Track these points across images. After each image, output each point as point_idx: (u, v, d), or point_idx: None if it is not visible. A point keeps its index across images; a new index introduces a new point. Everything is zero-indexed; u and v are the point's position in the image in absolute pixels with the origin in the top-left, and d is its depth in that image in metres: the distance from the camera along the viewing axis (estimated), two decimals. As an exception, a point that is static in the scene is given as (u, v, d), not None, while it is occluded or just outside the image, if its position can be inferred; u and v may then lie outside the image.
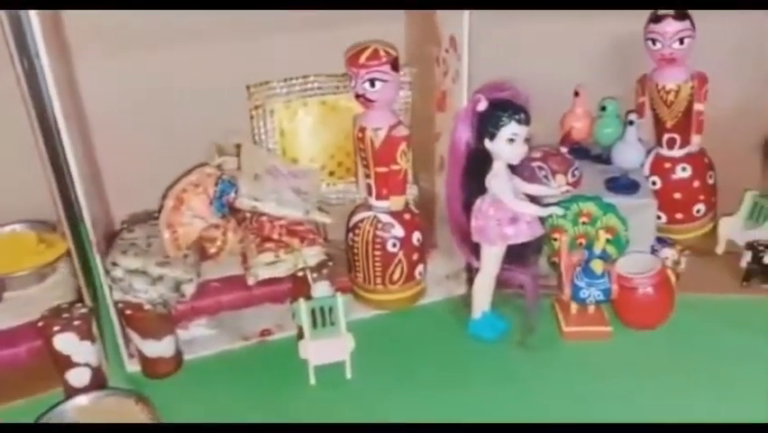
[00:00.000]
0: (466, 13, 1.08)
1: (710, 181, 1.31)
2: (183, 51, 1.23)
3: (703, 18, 1.20)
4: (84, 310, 1.06)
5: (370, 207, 1.22)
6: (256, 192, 1.10)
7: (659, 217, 1.32)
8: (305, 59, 1.29)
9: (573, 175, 1.27)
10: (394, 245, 1.20)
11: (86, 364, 1.07)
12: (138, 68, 1.22)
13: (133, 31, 1.18)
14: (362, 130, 1.15)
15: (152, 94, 1.25)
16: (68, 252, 1.12)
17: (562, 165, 1.26)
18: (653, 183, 1.31)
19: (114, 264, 1.03)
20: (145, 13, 1.14)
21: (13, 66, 1.01)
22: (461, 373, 1.13)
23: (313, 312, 1.10)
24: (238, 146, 1.22)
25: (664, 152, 1.30)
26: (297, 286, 1.13)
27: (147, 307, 1.05)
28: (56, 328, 1.04)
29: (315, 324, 1.10)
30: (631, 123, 1.21)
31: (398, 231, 1.20)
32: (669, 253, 1.24)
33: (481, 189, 1.12)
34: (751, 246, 1.24)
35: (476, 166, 1.12)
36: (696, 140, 1.26)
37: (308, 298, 1.11)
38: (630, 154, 1.22)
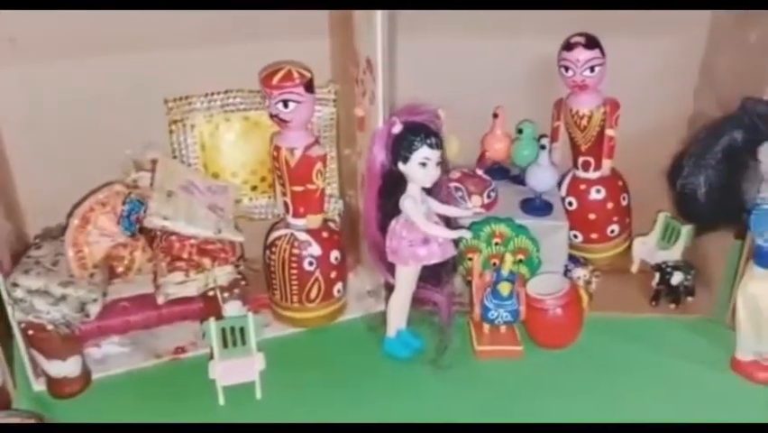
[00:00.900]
0: (379, 36, 1.09)
1: (624, 203, 1.35)
2: (101, 62, 1.21)
3: (618, 44, 1.23)
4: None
5: (287, 225, 1.22)
6: (167, 210, 1.09)
7: (575, 237, 1.36)
8: (227, 73, 1.28)
9: (489, 196, 1.29)
10: (311, 264, 1.20)
11: (-11, 384, 1.05)
12: (54, 78, 1.19)
13: (49, 39, 1.16)
14: (277, 149, 1.16)
15: (70, 105, 1.22)
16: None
17: (479, 186, 1.28)
18: (570, 204, 1.34)
19: (15, 285, 1.01)
20: (62, 20, 1.12)
21: None
22: (373, 392, 1.14)
23: (224, 332, 1.10)
24: (154, 161, 1.21)
25: (580, 173, 1.33)
26: (209, 305, 1.13)
27: (50, 327, 1.03)
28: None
29: (225, 343, 1.10)
30: (543, 147, 1.24)
31: (315, 249, 1.20)
32: (581, 273, 1.27)
33: (396, 210, 1.13)
34: (659, 268, 1.29)
35: (391, 187, 1.13)
36: (607, 164, 1.29)
37: (220, 317, 1.11)
38: (542, 177, 1.25)
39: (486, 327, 1.20)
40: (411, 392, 1.14)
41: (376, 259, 1.18)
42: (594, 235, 1.35)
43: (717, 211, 1.08)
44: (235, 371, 1.08)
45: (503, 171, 1.38)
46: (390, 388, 1.15)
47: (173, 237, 1.09)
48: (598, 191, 1.32)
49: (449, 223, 1.18)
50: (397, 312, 1.19)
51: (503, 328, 1.20)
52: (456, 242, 1.15)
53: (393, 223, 1.14)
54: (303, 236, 1.20)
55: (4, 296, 1.03)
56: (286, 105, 1.10)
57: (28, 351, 1.08)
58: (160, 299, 1.10)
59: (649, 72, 1.33)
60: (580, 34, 1.21)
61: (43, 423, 1.00)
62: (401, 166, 1.10)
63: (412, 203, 1.11)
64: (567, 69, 1.21)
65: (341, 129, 1.34)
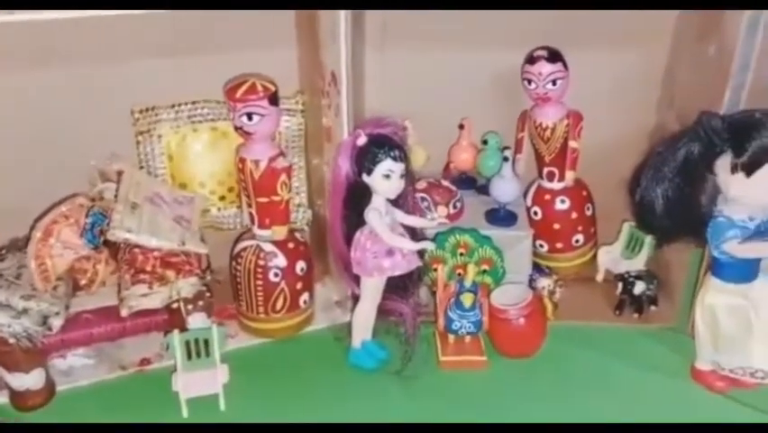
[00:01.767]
0: (343, 50, 1.10)
1: (588, 213, 1.37)
2: (66, 72, 1.21)
3: (582, 57, 1.25)
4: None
5: (253, 236, 1.22)
6: (130, 223, 1.09)
7: (541, 246, 1.37)
8: (195, 84, 1.28)
9: (455, 206, 1.30)
10: (276, 275, 1.21)
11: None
12: (18, 88, 1.19)
13: (13, 49, 1.14)
14: (242, 161, 1.16)
15: (34, 116, 1.21)
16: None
17: (445, 196, 1.29)
18: (535, 213, 1.35)
19: (-25, 298, 1.01)
20: (27, 30, 1.11)
21: None
22: (338, 403, 1.15)
23: (188, 344, 1.10)
24: (120, 172, 1.21)
25: (545, 183, 1.34)
26: (173, 317, 1.13)
27: (11, 340, 1.03)
28: None
29: (189, 355, 1.10)
30: (506, 159, 1.25)
31: (281, 261, 1.20)
32: (545, 283, 1.29)
33: (361, 221, 1.14)
34: (622, 277, 1.31)
35: (356, 198, 1.14)
36: (570, 175, 1.30)
37: (184, 329, 1.11)
38: (506, 189, 1.26)
39: (451, 337, 1.21)
40: (376, 403, 1.14)
41: (341, 270, 1.19)
42: (559, 245, 1.36)
43: (675, 223, 1.09)
44: (199, 383, 1.09)
45: (470, 181, 1.40)
46: (356, 398, 1.15)
47: (137, 250, 1.09)
48: (562, 201, 1.34)
49: (415, 233, 1.19)
50: (363, 323, 1.20)
51: (467, 339, 1.21)
52: (421, 253, 1.17)
53: (358, 234, 1.15)
54: (268, 247, 1.20)
55: (-34, 309, 1.03)
56: (250, 118, 1.11)
57: (-9, 363, 1.08)
58: (124, 312, 1.10)
59: (613, 84, 1.34)
60: (542, 48, 1.22)
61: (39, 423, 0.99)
62: (365, 178, 1.11)
63: (376, 215, 1.11)
64: (530, 81, 1.23)
65: (309, 139, 1.35)
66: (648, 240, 1.29)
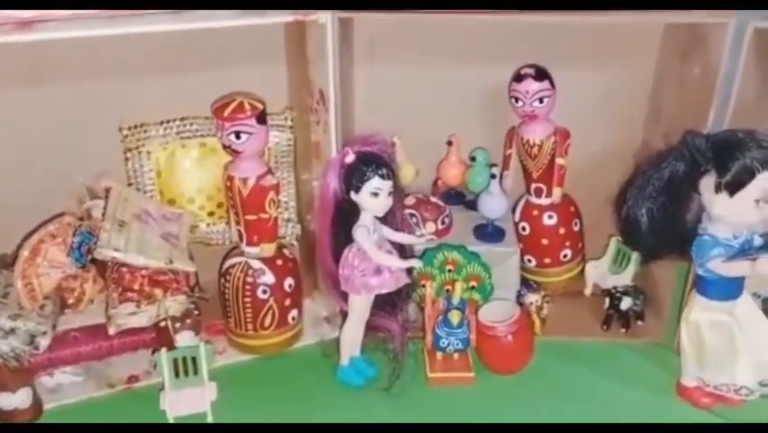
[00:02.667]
0: (331, 68, 1.11)
1: (576, 228, 1.37)
2: (54, 90, 1.21)
3: (569, 74, 1.26)
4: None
5: (241, 253, 1.23)
6: (118, 241, 1.09)
7: (529, 261, 1.38)
8: (184, 100, 1.28)
9: (443, 222, 1.30)
10: (264, 292, 1.21)
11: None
12: (5, 106, 1.18)
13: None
14: (230, 179, 1.16)
15: (22, 134, 1.21)
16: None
17: (433, 212, 1.30)
18: (523, 229, 1.36)
19: (-38, 318, 1.01)
20: (13, 47, 1.11)
21: None
22: (326, 419, 1.14)
23: (175, 362, 1.10)
24: (107, 189, 1.20)
25: (533, 199, 1.35)
26: (161, 335, 1.13)
27: (-2, 360, 1.03)
28: None
29: (177, 374, 1.10)
30: (494, 176, 1.26)
31: (269, 278, 1.20)
32: (533, 299, 1.30)
33: (349, 238, 1.14)
34: (608, 293, 1.31)
35: (344, 216, 1.15)
36: (557, 192, 1.31)
37: (172, 347, 1.11)
38: (494, 205, 1.27)
39: (438, 354, 1.21)
40: (365, 419, 1.14)
41: (330, 287, 1.20)
42: (547, 260, 1.37)
43: (660, 241, 1.10)
44: (186, 401, 1.09)
45: (459, 196, 1.40)
46: (344, 415, 1.15)
47: (124, 268, 1.09)
48: (550, 217, 1.34)
49: (403, 250, 1.20)
50: (350, 340, 1.20)
51: (455, 355, 1.21)
52: (409, 270, 1.17)
53: (346, 251, 1.15)
54: (256, 264, 1.20)
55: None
56: (238, 137, 1.11)
57: (-23, 382, 1.08)
58: (112, 330, 1.10)
59: (600, 101, 1.36)
60: (529, 66, 1.23)
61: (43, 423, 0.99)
62: (353, 195, 1.11)
63: (364, 232, 1.12)
64: (517, 99, 1.24)
65: (298, 154, 1.35)
66: (635, 255, 1.30)
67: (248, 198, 1.16)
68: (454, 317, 1.16)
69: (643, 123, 1.37)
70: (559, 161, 1.28)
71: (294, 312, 1.26)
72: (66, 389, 1.17)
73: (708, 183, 1.05)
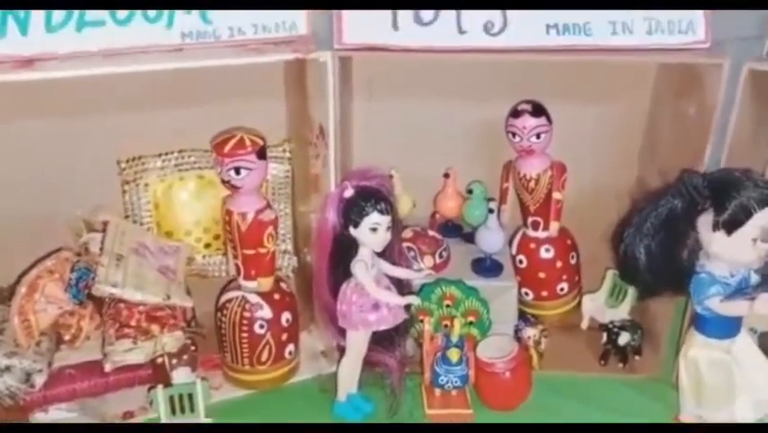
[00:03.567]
0: (331, 104, 1.11)
1: (573, 262, 1.38)
2: (52, 122, 1.21)
3: (566, 109, 1.27)
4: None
5: (239, 287, 1.22)
6: (115, 277, 1.08)
7: (527, 294, 1.38)
8: (183, 133, 1.28)
9: (441, 256, 1.31)
10: (261, 327, 1.20)
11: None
12: (5, 140, 1.18)
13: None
14: (229, 213, 1.16)
15: (21, 167, 1.21)
16: None
17: (431, 246, 1.30)
18: (521, 262, 1.36)
19: (-42, 355, 1.00)
20: (11, 81, 1.12)
21: None
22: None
23: (171, 399, 1.09)
24: (105, 223, 1.20)
25: (530, 232, 1.35)
26: (157, 372, 1.12)
27: (-6, 398, 1.02)
28: None
29: (174, 410, 1.09)
30: (491, 211, 1.26)
31: (266, 312, 1.20)
32: (531, 333, 1.29)
33: (347, 273, 1.14)
34: (606, 328, 1.31)
35: (342, 250, 1.14)
36: (554, 226, 1.31)
37: (168, 384, 1.11)
38: (491, 240, 1.28)
39: (437, 390, 1.21)
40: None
41: (327, 322, 1.19)
42: (544, 293, 1.37)
43: (658, 278, 1.10)
44: (183, 439, 1.08)
45: (456, 229, 1.41)
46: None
47: (121, 304, 1.09)
48: (547, 250, 1.34)
49: (401, 284, 1.19)
50: (348, 376, 1.19)
51: (453, 392, 1.20)
52: (407, 306, 1.16)
53: (344, 286, 1.15)
54: (254, 299, 1.20)
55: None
56: (238, 172, 1.11)
57: (-28, 419, 1.06)
58: (108, 367, 1.09)
59: (596, 136, 1.38)
60: (526, 102, 1.24)
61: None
62: (352, 230, 1.11)
63: (363, 267, 1.12)
64: (514, 135, 1.25)
65: (296, 186, 1.36)
66: (632, 289, 1.30)
67: (246, 232, 1.16)
68: (453, 354, 1.15)
69: (638, 158, 1.38)
70: (556, 195, 1.28)
71: (291, 346, 1.25)
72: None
73: (705, 221, 1.05)
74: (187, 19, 1.05)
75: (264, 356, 1.22)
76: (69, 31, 0.98)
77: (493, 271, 1.30)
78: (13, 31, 0.98)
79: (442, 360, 1.17)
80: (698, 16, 1.12)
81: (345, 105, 1.26)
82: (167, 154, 1.29)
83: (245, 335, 1.20)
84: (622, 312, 1.33)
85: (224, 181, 1.14)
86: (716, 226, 1.04)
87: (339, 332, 1.18)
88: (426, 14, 1.10)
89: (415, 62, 1.27)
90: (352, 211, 1.10)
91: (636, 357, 1.32)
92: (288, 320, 1.23)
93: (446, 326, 1.24)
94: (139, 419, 1.17)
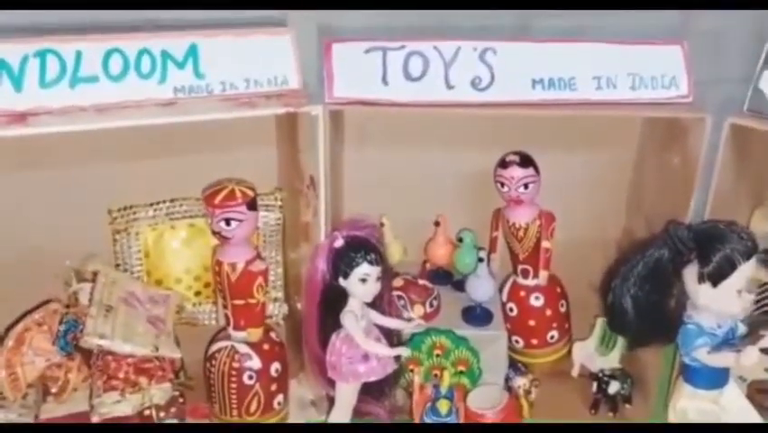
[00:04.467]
0: (321, 155, 1.13)
1: (562, 309, 1.38)
2: (42, 173, 1.21)
3: (554, 158, 1.29)
4: None
5: (228, 337, 1.22)
6: (104, 328, 1.08)
7: (517, 342, 1.38)
8: (174, 182, 1.29)
9: (431, 305, 1.31)
10: (250, 378, 1.19)
11: None
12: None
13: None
14: (219, 264, 1.16)
15: (10, 217, 1.21)
16: None
17: (422, 295, 1.30)
18: (511, 310, 1.36)
19: (-58, 410, 0.99)
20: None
21: None
22: None
23: (158, 453, 1.08)
24: (95, 273, 1.20)
25: (520, 280, 1.36)
26: (145, 424, 1.11)
27: (-23, 454, 1.01)
28: None
29: (162, 466, 1.08)
30: (481, 259, 1.28)
31: (255, 363, 1.19)
32: (521, 382, 1.28)
33: (337, 324, 1.14)
34: (596, 377, 1.31)
35: (332, 301, 1.14)
36: (543, 275, 1.32)
37: (155, 436, 1.10)
38: (481, 288, 1.28)
39: (427, 443, 1.20)
40: None
41: (317, 372, 1.19)
42: (534, 341, 1.37)
43: (646, 329, 1.11)
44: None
45: (446, 276, 1.41)
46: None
47: (109, 356, 1.08)
48: (537, 298, 1.35)
49: (391, 333, 1.20)
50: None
51: (444, 442, 1.20)
52: (397, 357, 1.16)
53: (333, 337, 1.15)
54: (243, 349, 1.19)
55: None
56: (228, 224, 1.11)
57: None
58: (95, 419, 1.07)
59: (584, 186, 1.39)
60: (514, 153, 1.26)
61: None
62: (342, 281, 1.11)
63: (352, 318, 1.12)
64: (503, 184, 1.26)
65: (287, 234, 1.36)
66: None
67: (236, 283, 1.16)
68: (443, 406, 1.15)
69: (625, 208, 1.40)
70: (545, 243, 1.30)
71: (280, 397, 1.24)
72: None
73: (691, 272, 1.07)
74: (179, 74, 1.07)
75: (253, 407, 1.21)
76: (63, 86, 1.00)
77: (483, 319, 1.30)
78: (6, 86, 0.99)
79: (431, 411, 1.17)
80: (681, 71, 1.15)
81: (336, 154, 1.28)
82: (158, 204, 1.29)
83: (234, 385, 1.19)
84: (612, 360, 1.33)
85: (214, 232, 1.15)
86: (701, 278, 1.05)
87: (328, 383, 1.18)
88: (415, 70, 1.13)
89: (405, 114, 1.29)
90: (341, 261, 1.11)
91: (627, 406, 1.31)
92: (277, 370, 1.22)
93: (436, 375, 1.24)
94: (125, 471, 1.16)
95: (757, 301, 1.33)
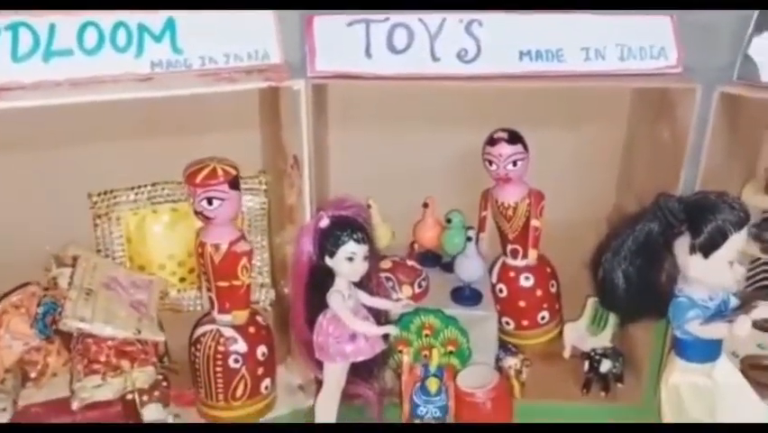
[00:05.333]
0: (305, 133, 1.10)
1: (553, 290, 1.36)
2: (20, 156, 1.18)
3: (543, 135, 1.28)
4: None
5: (213, 320, 1.19)
6: (84, 311, 1.05)
7: (507, 324, 1.36)
8: (156, 166, 1.26)
9: (420, 286, 1.29)
10: (236, 361, 1.17)
11: None
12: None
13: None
14: (202, 245, 1.14)
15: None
16: None
17: (410, 276, 1.29)
18: (500, 291, 1.35)
19: None
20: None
21: None
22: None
23: (145, 440, 1.06)
24: (75, 258, 1.17)
25: (509, 261, 1.34)
26: (127, 409, 1.08)
27: (-46, 440, 0.98)
28: None
29: (147, 451, 1.06)
30: (470, 239, 1.26)
31: (241, 346, 1.17)
32: (512, 362, 1.27)
33: (324, 304, 1.12)
34: (587, 356, 1.30)
35: (318, 281, 1.12)
36: (533, 254, 1.30)
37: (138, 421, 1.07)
38: (470, 268, 1.27)
39: (416, 422, 1.18)
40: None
41: (304, 354, 1.16)
42: (525, 322, 1.35)
43: (637, 303, 1.09)
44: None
45: (435, 258, 1.39)
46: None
47: (90, 339, 1.05)
48: (527, 278, 1.33)
49: (379, 314, 1.17)
50: (326, 409, 1.16)
51: (433, 423, 1.18)
52: (385, 336, 1.14)
53: (320, 318, 1.12)
54: (228, 332, 1.17)
55: None
56: (210, 203, 1.09)
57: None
58: (75, 405, 1.05)
59: (573, 163, 1.38)
60: (502, 130, 1.24)
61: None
62: (328, 260, 1.09)
63: (339, 298, 1.10)
64: (491, 162, 1.24)
65: (272, 218, 1.34)
66: (613, 315, 1.29)
67: (220, 264, 1.13)
68: (432, 384, 1.13)
69: (615, 183, 1.38)
70: (534, 222, 1.28)
71: (267, 381, 1.22)
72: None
73: (682, 245, 1.05)
74: (157, 48, 1.04)
75: (239, 391, 1.19)
76: (36, 60, 0.97)
77: (472, 299, 1.28)
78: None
79: (421, 390, 1.15)
80: (670, 42, 1.13)
81: (321, 134, 1.26)
82: (139, 187, 1.27)
83: (219, 369, 1.17)
84: (604, 339, 1.31)
85: (196, 212, 1.12)
86: (692, 250, 1.03)
87: (316, 364, 1.16)
88: (400, 42, 1.11)
89: (391, 91, 1.27)
90: (327, 241, 1.08)
91: (618, 385, 1.30)
92: (263, 354, 1.20)
93: (426, 356, 1.22)
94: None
95: (749, 277, 1.34)
